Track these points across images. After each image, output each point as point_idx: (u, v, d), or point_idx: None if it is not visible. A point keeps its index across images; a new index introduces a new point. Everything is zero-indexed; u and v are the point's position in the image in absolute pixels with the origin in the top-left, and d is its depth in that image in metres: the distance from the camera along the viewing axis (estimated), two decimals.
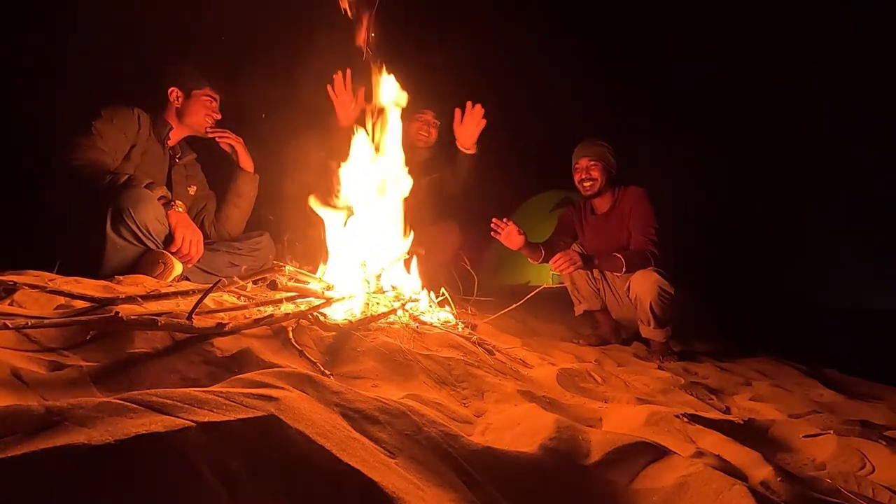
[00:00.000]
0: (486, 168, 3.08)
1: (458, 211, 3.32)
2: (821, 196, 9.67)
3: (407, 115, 2.45)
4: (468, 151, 3.08)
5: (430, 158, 3.22)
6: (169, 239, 1.95)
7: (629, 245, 2.75)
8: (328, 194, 2.17)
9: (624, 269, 2.61)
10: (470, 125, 3.01)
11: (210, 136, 2.39)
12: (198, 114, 2.30)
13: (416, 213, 2.32)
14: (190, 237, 1.98)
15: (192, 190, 2.43)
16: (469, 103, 3.00)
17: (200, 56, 2.52)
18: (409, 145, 3.02)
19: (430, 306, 2.08)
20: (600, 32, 7.26)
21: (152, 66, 2.41)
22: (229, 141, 2.43)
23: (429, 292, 2.17)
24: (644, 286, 2.56)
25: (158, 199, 1.94)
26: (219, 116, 2.37)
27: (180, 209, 2.01)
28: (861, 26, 8.50)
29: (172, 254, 1.92)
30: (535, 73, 6.37)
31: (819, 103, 8.90)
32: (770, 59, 8.55)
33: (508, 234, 2.73)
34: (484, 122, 3.00)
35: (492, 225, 2.75)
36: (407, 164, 2.31)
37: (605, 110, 6.44)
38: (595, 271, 2.88)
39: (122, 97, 2.17)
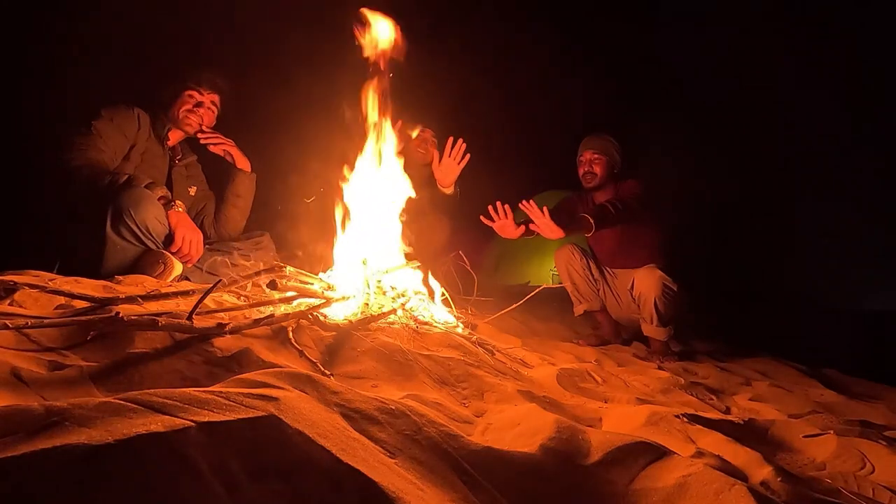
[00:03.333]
0: (486, 171, 3.03)
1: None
2: (821, 196, 9.68)
3: (406, 131, 2.41)
4: (446, 191, 2.93)
5: (428, 175, 3.21)
6: (169, 239, 1.95)
7: (628, 237, 2.75)
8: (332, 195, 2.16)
9: (593, 226, 2.49)
10: (450, 165, 2.83)
11: (202, 142, 2.36)
12: (179, 111, 2.25)
13: (412, 225, 2.30)
14: (190, 237, 1.98)
15: (193, 190, 2.43)
16: (450, 139, 2.80)
17: (201, 56, 2.52)
18: (407, 161, 3.00)
19: (430, 307, 2.07)
20: (601, 31, 7.27)
21: (152, 65, 2.41)
22: (222, 146, 2.41)
23: (427, 295, 2.16)
24: (648, 283, 2.58)
25: (158, 199, 1.93)
26: (204, 117, 2.31)
27: (180, 209, 2.01)
28: (862, 25, 8.50)
29: (172, 254, 1.92)
30: (536, 73, 6.38)
31: (820, 103, 8.91)
32: (771, 60, 8.56)
33: (503, 227, 2.65)
34: (465, 159, 2.82)
35: (489, 208, 2.63)
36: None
37: (605, 110, 6.46)
38: (595, 271, 2.89)
39: (122, 97, 2.17)
